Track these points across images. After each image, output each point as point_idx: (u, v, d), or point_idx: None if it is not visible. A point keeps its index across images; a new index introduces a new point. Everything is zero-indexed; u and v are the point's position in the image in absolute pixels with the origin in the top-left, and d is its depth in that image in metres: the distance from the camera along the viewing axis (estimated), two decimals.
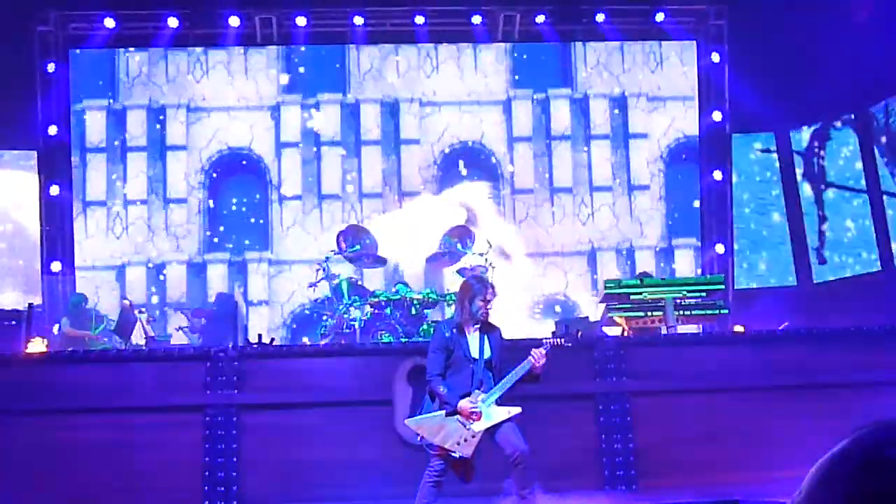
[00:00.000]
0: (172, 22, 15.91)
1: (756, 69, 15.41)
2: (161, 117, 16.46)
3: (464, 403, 7.12)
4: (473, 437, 7.12)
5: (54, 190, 15.48)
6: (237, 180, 16.51)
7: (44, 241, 15.42)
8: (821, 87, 14.52)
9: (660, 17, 16.27)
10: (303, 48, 16.84)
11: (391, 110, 16.82)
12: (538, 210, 16.60)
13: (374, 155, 16.70)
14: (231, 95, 16.57)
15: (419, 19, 16.28)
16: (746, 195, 16.66)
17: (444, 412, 7.22)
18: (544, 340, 7.46)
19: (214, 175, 16.40)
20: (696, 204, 16.42)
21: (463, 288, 7.73)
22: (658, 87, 16.94)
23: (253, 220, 16.34)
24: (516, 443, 7.09)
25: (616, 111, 16.93)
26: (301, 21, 16.12)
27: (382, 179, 16.57)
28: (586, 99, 16.93)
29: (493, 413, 7.19)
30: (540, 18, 16.37)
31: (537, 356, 7.20)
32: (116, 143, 16.30)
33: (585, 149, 16.83)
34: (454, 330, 7.44)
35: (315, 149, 16.64)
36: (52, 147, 15.72)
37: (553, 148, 16.84)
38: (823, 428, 8.78)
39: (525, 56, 17.10)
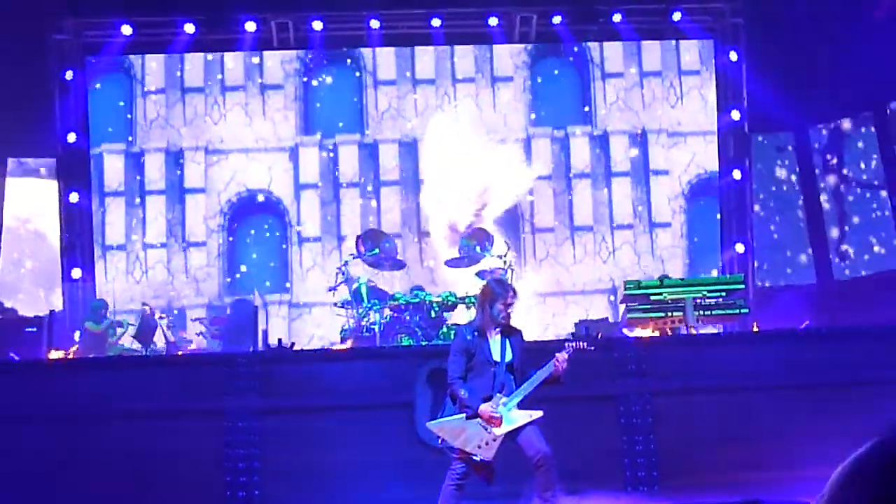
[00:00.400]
0: (189, 28, 15.98)
1: (773, 67, 15.40)
2: (180, 160, 16.48)
3: (484, 407, 7.14)
4: (494, 440, 7.12)
5: (74, 197, 15.59)
6: (257, 221, 16.53)
7: (64, 248, 15.56)
8: (839, 85, 14.52)
9: (676, 16, 16.28)
10: (318, 82, 16.92)
11: (409, 149, 16.81)
12: (559, 249, 16.56)
13: (393, 195, 16.71)
14: (249, 137, 16.54)
15: (435, 22, 16.34)
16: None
17: (464, 415, 7.23)
18: (567, 345, 7.48)
19: (232, 217, 16.43)
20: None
21: (483, 291, 7.75)
22: (678, 122, 16.84)
23: (272, 264, 16.36)
24: (538, 445, 7.10)
25: (636, 148, 16.83)
26: (317, 25, 16.19)
27: (401, 219, 16.53)
28: (606, 136, 16.83)
29: (515, 417, 7.19)
30: (556, 19, 16.37)
31: (560, 360, 7.22)
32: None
33: (605, 188, 16.77)
34: (475, 333, 7.45)
35: (334, 190, 16.62)
36: (71, 154, 15.83)
37: (573, 185, 16.78)
38: (846, 427, 8.77)
39: (544, 91, 17.04)
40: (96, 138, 16.21)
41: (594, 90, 17.01)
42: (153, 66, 16.73)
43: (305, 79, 16.87)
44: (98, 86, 16.41)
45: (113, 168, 16.36)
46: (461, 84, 16.95)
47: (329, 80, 16.96)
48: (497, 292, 7.51)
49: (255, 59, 16.77)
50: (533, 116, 16.92)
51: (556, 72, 17.18)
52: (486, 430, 7.15)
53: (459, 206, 16.15)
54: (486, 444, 7.13)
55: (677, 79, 16.92)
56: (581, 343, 7.65)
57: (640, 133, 16.82)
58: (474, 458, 7.17)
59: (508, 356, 7.41)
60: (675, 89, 16.91)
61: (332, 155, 16.66)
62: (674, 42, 16.89)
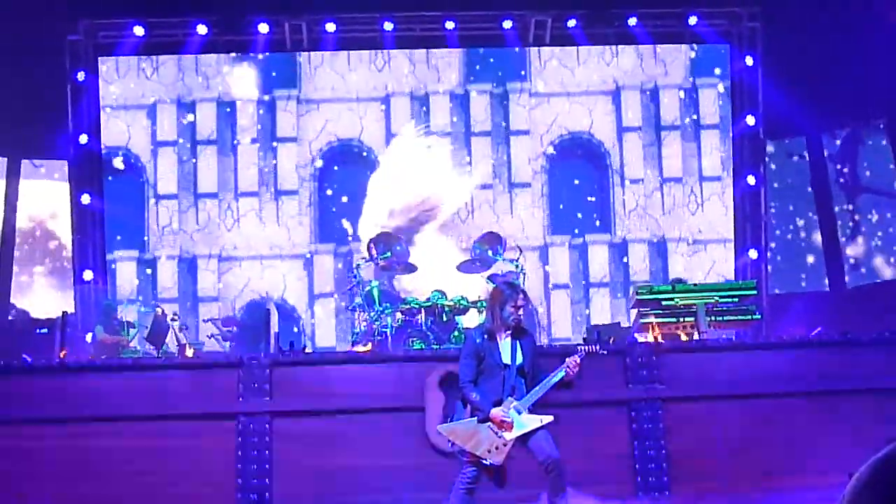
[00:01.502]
0: (202, 29, 16.09)
1: (788, 72, 15.44)
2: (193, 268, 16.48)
3: (496, 412, 7.21)
4: (505, 444, 7.18)
5: (85, 199, 15.70)
6: None
7: (76, 250, 15.68)
8: (852, 91, 14.57)
9: (692, 20, 16.30)
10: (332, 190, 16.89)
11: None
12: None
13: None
14: (263, 244, 16.47)
15: (449, 24, 16.39)
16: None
17: (476, 419, 7.32)
18: (579, 348, 7.58)
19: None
20: None
21: (493, 294, 7.85)
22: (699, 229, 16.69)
23: None
24: (549, 450, 7.17)
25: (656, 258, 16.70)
26: (330, 27, 16.29)
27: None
28: (625, 244, 16.68)
29: (526, 421, 7.24)
30: (571, 23, 16.42)
31: (572, 365, 7.32)
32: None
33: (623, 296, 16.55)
34: (485, 336, 7.52)
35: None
36: (83, 156, 15.93)
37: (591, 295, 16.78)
38: (858, 434, 8.93)
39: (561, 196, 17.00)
40: (109, 245, 16.08)
41: (613, 200, 16.86)
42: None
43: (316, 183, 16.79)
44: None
45: (126, 275, 16.21)
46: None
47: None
48: (507, 294, 7.57)
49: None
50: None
51: (575, 181, 17.08)
52: (497, 434, 7.20)
53: None
54: (497, 448, 7.19)
55: (698, 185, 16.76)
56: (593, 347, 7.75)
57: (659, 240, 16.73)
58: (484, 461, 7.22)
59: (519, 359, 7.46)
60: (695, 196, 16.72)
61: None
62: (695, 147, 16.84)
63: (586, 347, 7.68)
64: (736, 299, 11.29)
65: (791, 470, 9.40)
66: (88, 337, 13.73)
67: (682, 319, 11.01)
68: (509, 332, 7.54)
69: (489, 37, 16.92)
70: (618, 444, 9.73)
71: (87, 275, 15.42)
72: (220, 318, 14.27)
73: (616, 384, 9.89)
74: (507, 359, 7.46)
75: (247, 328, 13.60)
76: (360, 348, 12.06)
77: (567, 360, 7.37)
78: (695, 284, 12.20)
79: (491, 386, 7.39)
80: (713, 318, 11.08)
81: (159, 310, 13.23)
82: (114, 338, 12.91)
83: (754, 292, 11.61)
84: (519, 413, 7.26)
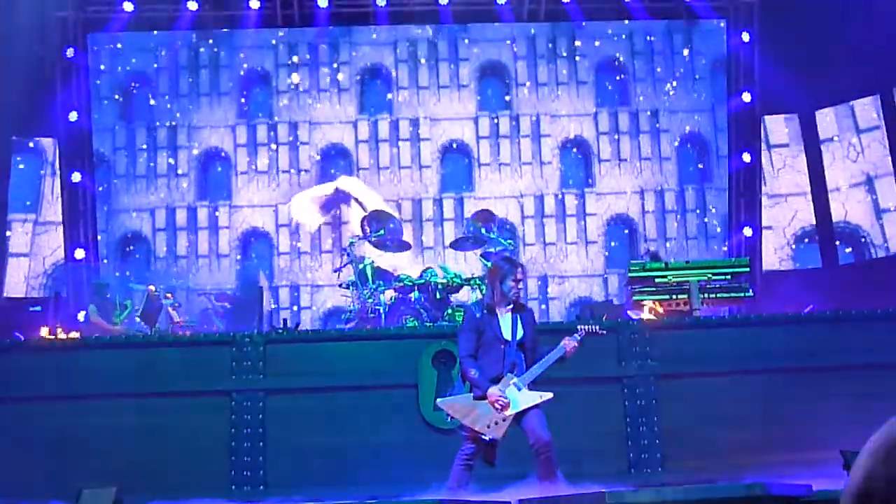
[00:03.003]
0: (192, 5, 16.17)
1: (783, 49, 15.52)
2: None
3: (493, 392, 7.33)
4: (504, 420, 7.31)
5: (76, 177, 15.76)
6: None
7: (66, 229, 15.75)
8: (847, 67, 14.63)
9: None
10: None
11: None
12: None
13: None
14: None
15: (443, 0, 16.49)
16: None
17: (474, 394, 7.45)
18: (579, 327, 7.71)
19: None
20: None
21: (493, 269, 7.97)
22: None
23: None
24: (539, 433, 7.30)
25: None
26: (322, 2, 16.35)
27: None
28: None
29: (524, 398, 7.37)
30: None
31: (570, 346, 7.46)
32: None
33: None
34: (485, 311, 7.64)
35: None
36: (73, 134, 16.00)
37: None
38: (850, 410, 9.09)
39: None
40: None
41: None
42: None
43: None
44: None
45: None
46: None
47: None
48: (507, 269, 7.70)
49: None
50: None
51: None
52: (496, 409, 7.33)
53: None
54: (496, 423, 7.31)
55: None
56: (594, 327, 7.88)
57: None
58: (483, 437, 7.36)
59: (520, 334, 7.58)
60: None
61: None
62: None
63: (586, 328, 7.77)
64: (728, 276, 11.41)
65: (784, 446, 9.52)
66: (81, 315, 13.81)
67: (675, 297, 11.14)
68: (510, 307, 7.66)
69: (482, 13, 17.00)
70: (611, 422, 9.87)
71: (79, 253, 15.48)
72: (213, 294, 14.38)
73: (609, 361, 10.01)
74: (507, 334, 7.56)
75: (239, 305, 13.70)
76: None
77: (565, 340, 7.51)
78: (687, 262, 12.28)
79: (490, 360, 7.49)
80: (706, 295, 11.22)
81: (152, 288, 13.28)
82: (106, 323, 12.96)
83: (747, 269, 11.72)
84: (518, 389, 7.37)
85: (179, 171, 17.18)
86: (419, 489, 8.16)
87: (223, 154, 17.37)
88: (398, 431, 9.75)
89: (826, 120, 16.76)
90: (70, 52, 15.97)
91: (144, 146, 17.22)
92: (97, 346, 10.30)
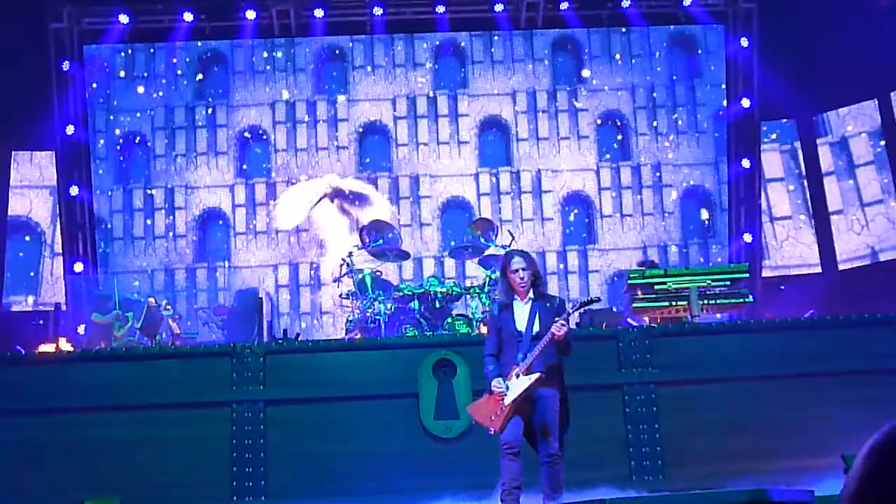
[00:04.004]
0: (188, 16, 16.29)
1: (781, 54, 15.62)
2: None
3: (495, 384, 7.41)
4: (502, 411, 7.35)
5: (74, 190, 15.91)
6: None
7: (65, 242, 15.86)
8: (844, 72, 14.71)
9: (687, 0, 16.54)
10: None
11: None
12: None
13: None
14: None
15: (440, 8, 16.56)
16: None
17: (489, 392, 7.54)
18: (567, 306, 7.78)
19: None
20: None
21: (501, 265, 7.98)
22: None
23: None
24: (549, 443, 7.36)
25: None
26: (319, 13, 16.46)
27: None
28: None
29: (517, 385, 7.36)
30: (564, 5, 16.63)
31: (556, 328, 7.30)
32: None
33: None
34: (500, 309, 7.72)
35: None
36: (71, 146, 16.13)
37: None
38: (851, 416, 9.13)
39: None
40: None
41: None
42: None
43: None
44: None
45: None
46: None
47: None
48: (503, 262, 7.79)
49: None
50: None
51: None
52: (497, 401, 7.40)
53: None
54: (496, 414, 7.38)
55: None
56: (589, 299, 7.97)
57: None
58: (489, 431, 7.47)
59: (537, 326, 7.52)
60: None
61: None
62: None
63: (577, 306, 7.90)
64: (728, 282, 11.45)
65: (785, 452, 9.60)
66: (81, 329, 13.91)
67: (674, 303, 11.23)
68: (529, 299, 7.67)
69: (480, 20, 17.11)
70: (611, 428, 9.94)
71: (78, 266, 15.61)
72: (213, 307, 14.49)
73: (609, 368, 10.11)
74: (521, 326, 7.55)
75: (239, 316, 13.79)
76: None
77: (554, 325, 7.37)
78: (686, 268, 12.35)
79: (509, 356, 7.53)
80: (706, 301, 11.24)
81: (152, 300, 13.38)
82: (110, 319, 13.02)
83: (746, 275, 11.72)
84: (517, 378, 7.38)
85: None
86: (421, 499, 8.24)
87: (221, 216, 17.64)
88: (399, 441, 9.81)
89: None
90: (66, 66, 16.08)
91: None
92: (98, 359, 10.39)
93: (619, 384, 10.14)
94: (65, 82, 16.14)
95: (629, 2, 16.56)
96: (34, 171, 16.93)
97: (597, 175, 17.59)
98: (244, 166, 17.64)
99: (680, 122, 17.66)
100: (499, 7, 16.67)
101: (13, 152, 16.63)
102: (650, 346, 10.25)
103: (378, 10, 16.62)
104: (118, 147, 17.45)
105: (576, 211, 17.71)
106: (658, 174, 17.52)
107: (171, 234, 17.23)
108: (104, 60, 17.29)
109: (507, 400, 7.37)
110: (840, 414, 9.40)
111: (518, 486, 7.41)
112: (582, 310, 8.05)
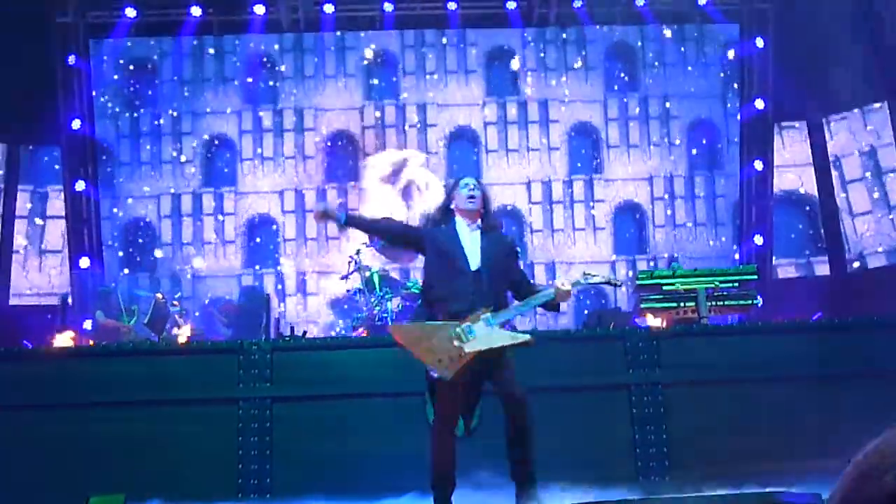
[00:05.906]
0: (195, 10, 16.49)
1: (795, 54, 15.76)
2: None
3: (459, 331, 6.37)
4: (461, 356, 6.33)
5: (80, 185, 16.12)
6: None
7: (70, 237, 16.08)
8: (854, 74, 14.82)
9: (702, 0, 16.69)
10: None
11: None
12: None
13: None
14: None
15: (451, 5, 16.77)
16: None
17: (438, 321, 6.51)
18: (585, 274, 7.01)
19: None
20: None
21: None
22: None
23: None
24: (512, 388, 6.49)
25: None
26: (328, 8, 16.67)
27: None
28: None
29: (493, 336, 6.37)
30: (577, 3, 16.80)
31: (563, 290, 6.61)
32: None
33: None
34: (436, 224, 6.80)
35: None
36: (76, 141, 16.32)
37: None
38: (859, 419, 9.15)
39: None
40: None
41: None
42: None
43: None
44: None
45: None
46: None
47: None
48: (449, 186, 7.01)
49: None
50: None
51: None
52: (454, 342, 6.36)
53: None
54: (450, 359, 6.36)
55: None
56: (613, 280, 7.54)
57: None
58: (431, 373, 6.50)
59: (490, 260, 6.64)
60: None
61: None
62: None
63: (591, 280, 6.97)
64: (736, 284, 11.63)
65: (793, 454, 9.65)
66: (87, 324, 14.11)
67: (682, 304, 11.39)
68: (477, 226, 6.75)
69: (491, 16, 17.27)
70: (618, 429, 10.06)
71: (84, 262, 15.79)
72: (219, 304, 14.67)
73: (616, 369, 10.23)
74: (473, 257, 6.59)
75: (244, 313, 13.95)
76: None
77: (558, 286, 6.66)
78: (695, 269, 12.44)
79: (455, 291, 6.52)
80: (714, 303, 11.43)
81: (159, 295, 13.55)
82: (115, 322, 13.22)
83: (755, 277, 11.90)
84: (489, 325, 6.38)
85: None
86: (428, 498, 8.39)
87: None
88: (406, 440, 9.81)
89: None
90: (72, 60, 16.28)
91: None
92: (104, 354, 10.56)
93: (626, 384, 10.24)
94: (70, 76, 16.30)
95: (644, 0, 16.72)
96: None
97: (604, 106, 18.02)
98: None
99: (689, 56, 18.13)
100: (511, 4, 16.83)
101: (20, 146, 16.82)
102: (658, 346, 10.37)
103: (388, 6, 16.77)
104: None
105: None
106: (666, 105, 17.96)
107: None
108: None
109: (472, 347, 6.34)
110: (848, 417, 9.46)
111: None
112: (598, 283, 7.07)
